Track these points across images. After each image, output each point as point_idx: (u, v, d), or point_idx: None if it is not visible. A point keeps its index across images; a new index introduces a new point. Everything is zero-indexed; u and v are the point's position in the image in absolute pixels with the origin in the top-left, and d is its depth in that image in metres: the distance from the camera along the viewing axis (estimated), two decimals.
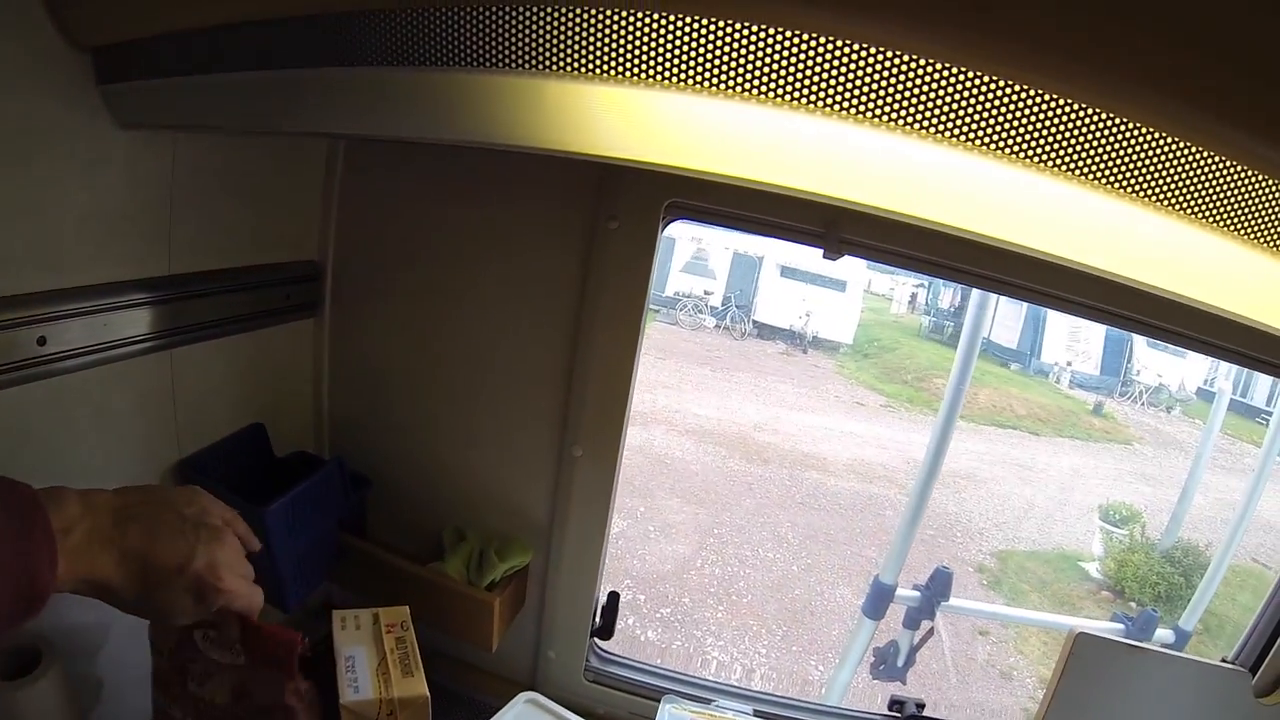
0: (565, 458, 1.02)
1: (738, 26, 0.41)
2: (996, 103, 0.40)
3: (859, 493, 5.65)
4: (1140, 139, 0.40)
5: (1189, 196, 0.42)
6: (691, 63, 0.43)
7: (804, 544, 4.85)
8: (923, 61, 0.40)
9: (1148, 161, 0.41)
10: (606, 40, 0.44)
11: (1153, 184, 0.41)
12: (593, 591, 1.09)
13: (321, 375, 1.15)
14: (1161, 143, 0.40)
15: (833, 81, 0.41)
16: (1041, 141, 0.41)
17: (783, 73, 0.42)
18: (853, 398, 7.95)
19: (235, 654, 0.81)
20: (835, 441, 6.55)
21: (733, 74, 0.42)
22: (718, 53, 0.42)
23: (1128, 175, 0.41)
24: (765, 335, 9.73)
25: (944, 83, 0.40)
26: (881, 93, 0.41)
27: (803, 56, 0.41)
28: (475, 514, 1.10)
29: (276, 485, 0.96)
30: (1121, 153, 0.40)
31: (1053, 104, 0.40)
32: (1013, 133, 0.40)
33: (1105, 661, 0.99)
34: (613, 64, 0.45)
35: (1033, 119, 0.40)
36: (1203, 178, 0.41)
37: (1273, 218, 0.42)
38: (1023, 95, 0.40)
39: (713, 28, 0.42)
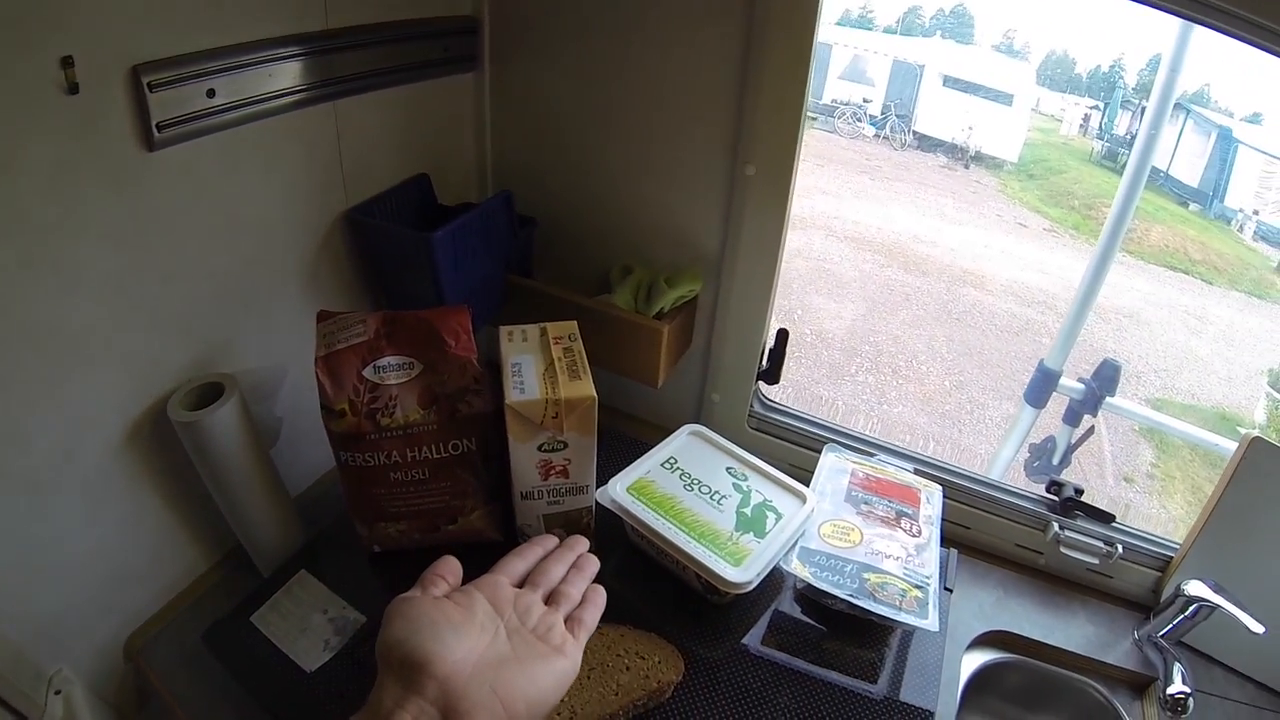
0: (738, 178, 0.95)
1: None
2: None
3: (1016, 315, 5.38)
4: None
5: None
6: None
7: (957, 360, 4.71)
8: None
9: None
10: None
11: None
12: (761, 328, 1.05)
13: (484, 126, 1.13)
14: None
15: None
16: None
17: None
18: (1015, 218, 7.35)
19: (410, 368, 0.81)
20: (995, 260, 6.17)
21: None
22: None
23: None
24: (925, 147, 8.96)
25: None
26: None
27: None
28: (644, 249, 1.07)
29: None
30: None
31: None
32: None
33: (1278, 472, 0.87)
34: None
35: None
36: None
37: None
38: None
39: None
